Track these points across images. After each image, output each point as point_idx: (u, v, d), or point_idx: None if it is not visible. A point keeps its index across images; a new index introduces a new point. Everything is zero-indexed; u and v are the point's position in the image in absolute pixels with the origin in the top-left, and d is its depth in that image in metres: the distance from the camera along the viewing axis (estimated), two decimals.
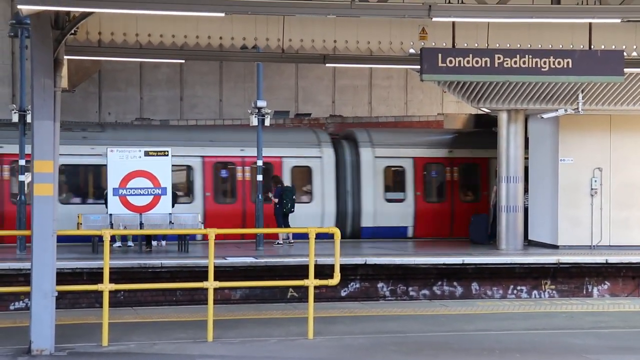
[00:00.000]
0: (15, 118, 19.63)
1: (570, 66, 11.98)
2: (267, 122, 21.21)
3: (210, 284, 11.17)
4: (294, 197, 21.70)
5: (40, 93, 10.36)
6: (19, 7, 9.58)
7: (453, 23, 12.30)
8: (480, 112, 23.40)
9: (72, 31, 10.97)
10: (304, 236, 11.45)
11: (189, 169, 22.78)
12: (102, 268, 11.00)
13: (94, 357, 10.24)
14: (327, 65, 15.18)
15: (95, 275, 16.28)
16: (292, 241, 21.84)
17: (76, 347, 10.68)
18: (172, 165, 20.54)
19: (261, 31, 13.65)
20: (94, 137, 22.13)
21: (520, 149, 21.27)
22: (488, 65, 11.88)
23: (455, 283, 19.09)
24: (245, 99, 30.63)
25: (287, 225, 21.50)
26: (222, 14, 10.90)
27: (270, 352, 10.63)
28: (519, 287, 19.28)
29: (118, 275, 16.25)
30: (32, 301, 10.46)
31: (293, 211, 21.63)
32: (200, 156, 22.75)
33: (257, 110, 21.07)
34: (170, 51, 14.26)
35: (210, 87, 31.94)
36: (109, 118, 30.66)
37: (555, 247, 20.95)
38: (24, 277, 15.74)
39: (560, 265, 19.24)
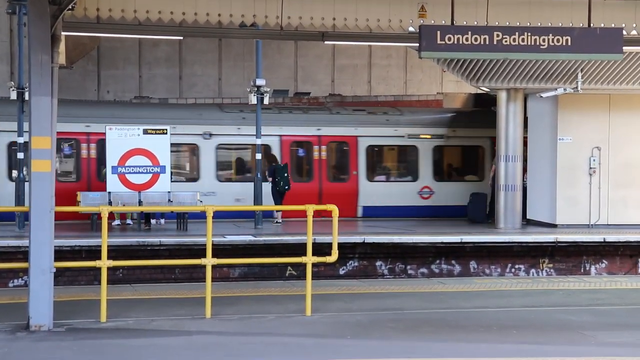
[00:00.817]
0: (13, 95, 19.59)
1: (569, 44, 11.94)
2: (266, 101, 21.19)
3: (209, 260, 11.19)
4: (285, 174, 21.78)
5: (37, 69, 10.33)
6: None
7: (452, 0, 12.25)
8: (479, 91, 23.37)
9: (70, 7, 10.93)
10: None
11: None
12: (100, 246, 11.02)
13: (92, 332, 10.28)
14: (325, 43, 15.13)
15: (93, 253, 16.32)
16: (280, 220, 21.88)
17: (74, 323, 10.72)
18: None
19: (260, 8, 13.61)
20: (395, 120, 23.84)
21: (519, 128, 21.25)
22: (487, 42, 11.83)
23: (453, 261, 19.14)
24: (245, 77, 30.55)
25: (279, 204, 21.56)
26: None
27: (268, 328, 10.67)
28: (517, 266, 19.33)
29: (117, 253, 16.30)
30: (30, 277, 10.49)
31: (287, 189, 21.73)
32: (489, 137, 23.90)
33: (256, 89, 21.03)
34: (168, 27, 14.20)
35: (210, 66, 31.86)
36: (107, 96, 30.62)
37: (554, 226, 20.99)
38: (23, 255, 15.78)
39: (558, 244, 19.28)
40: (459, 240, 19.06)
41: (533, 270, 19.34)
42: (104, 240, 10.88)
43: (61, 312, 10.86)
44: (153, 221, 20.97)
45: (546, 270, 19.36)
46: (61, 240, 15.62)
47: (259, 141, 21.17)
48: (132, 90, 30.70)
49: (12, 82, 20.20)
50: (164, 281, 17.08)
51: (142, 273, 17.45)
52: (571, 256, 19.49)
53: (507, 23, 12.95)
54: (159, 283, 16.51)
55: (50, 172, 10.50)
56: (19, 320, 10.63)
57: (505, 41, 11.82)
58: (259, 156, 21.23)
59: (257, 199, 21.01)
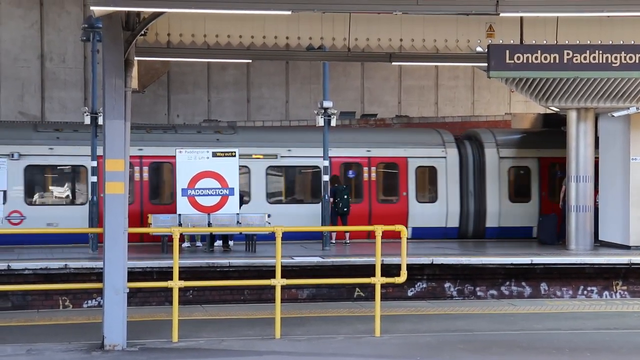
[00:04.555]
0: (87, 120, 20.08)
1: None
2: (333, 123, 21.29)
3: (278, 281, 11.24)
4: (345, 197, 21.87)
5: (111, 93, 10.58)
6: (91, 8, 9.81)
7: (521, 19, 12.18)
8: (548, 111, 23.07)
9: (142, 32, 11.17)
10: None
11: None
12: (171, 267, 11.19)
13: (164, 352, 10.41)
14: (393, 64, 15.18)
15: (164, 275, 16.56)
16: (333, 241, 21.94)
17: (147, 342, 10.87)
18: None
19: (327, 30, 13.73)
20: None
21: (590, 148, 20.92)
22: (557, 61, 11.72)
23: (523, 283, 18.88)
24: (312, 99, 30.77)
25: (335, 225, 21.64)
26: (289, 12, 10.99)
27: (337, 349, 10.66)
28: (589, 288, 18.97)
29: (187, 274, 16.52)
30: (104, 297, 10.68)
31: (346, 211, 21.81)
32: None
33: (323, 111, 21.14)
34: (237, 51, 14.42)
35: (277, 89, 32.16)
36: (177, 120, 31.12)
37: (627, 247, 20.53)
38: (97, 276, 16.09)
39: (633, 266, 18.85)
40: (529, 262, 18.81)
41: (606, 293, 18.94)
42: (176, 261, 11.03)
43: (134, 332, 11.02)
44: (217, 243, 21.10)
45: (620, 293, 18.94)
46: (133, 262, 15.86)
47: (326, 162, 21.27)
48: (201, 114, 31.16)
49: (86, 107, 20.70)
50: (233, 302, 17.23)
51: (211, 294, 17.62)
52: None
53: (578, 41, 12.81)
54: (229, 304, 16.65)
55: (124, 194, 10.71)
56: (93, 339, 10.83)
57: (576, 59, 11.69)
58: (326, 178, 21.33)
59: (324, 220, 21.07)
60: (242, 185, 21.89)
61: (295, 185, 23.68)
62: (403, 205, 23.39)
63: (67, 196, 22.25)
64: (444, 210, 23.51)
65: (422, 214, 23.38)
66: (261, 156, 22.73)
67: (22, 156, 21.18)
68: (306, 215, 22.16)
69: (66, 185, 22.31)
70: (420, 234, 23.21)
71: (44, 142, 21.65)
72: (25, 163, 21.38)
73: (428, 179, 23.80)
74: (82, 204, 21.58)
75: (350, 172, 23.53)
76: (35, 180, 21.99)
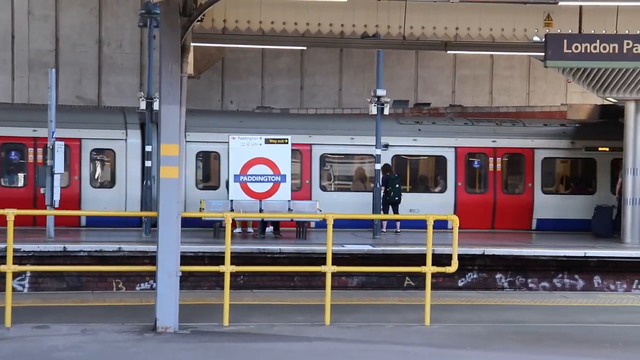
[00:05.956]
0: (142, 105, 20.31)
1: None
2: (386, 111, 21.23)
3: (329, 267, 11.27)
4: (397, 185, 21.90)
5: (167, 78, 10.68)
6: None
7: (580, 8, 12.01)
8: (605, 102, 22.70)
9: (199, 18, 11.26)
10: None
11: None
12: (222, 252, 11.27)
13: (215, 335, 10.52)
14: (448, 52, 15.09)
15: (216, 259, 16.68)
16: (384, 230, 21.88)
17: (198, 326, 10.99)
18: None
19: (383, 18, 13.71)
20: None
21: None
22: (616, 51, 11.59)
23: (576, 276, 18.66)
24: (365, 88, 30.69)
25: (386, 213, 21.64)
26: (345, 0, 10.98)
27: (387, 337, 10.66)
28: None
29: (238, 259, 16.53)
30: (157, 280, 10.80)
31: (397, 199, 21.83)
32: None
33: (376, 99, 21.09)
34: (292, 38, 14.47)
35: (330, 77, 32.15)
36: (231, 106, 31.31)
37: None
38: (149, 259, 16.29)
39: None
40: (583, 255, 18.57)
41: None
42: (228, 246, 11.12)
43: (186, 315, 11.14)
44: (269, 229, 21.13)
45: None
46: (185, 247, 16.00)
47: (378, 151, 21.25)
48: (254, 101, 31.29)
49: (142, 92, 20.95)
50: (283, 288, 17.30)
51: (262, 280, 17.72)
52: None
53: (638, 31, 12.59)
54: (279, 290, 16.74)
55: (178, 179, 10.81)
56: (146, 321, 10.98)
57: (636, 49, 11.54)
58: (378, 166, 21.30)
59: (375, 209, 21.05)
60: (589, 177, 23.66)
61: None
62: None
63: (430, 184, 24.16)
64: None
65: None
66: (607, 149, 23.46)
67: (390, 146, 22.72)
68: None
69: (429, 172, 24.26)
70: None
71: (407, 134, 23.31)
72: (392, 153, 23.00)
73: None
74: (440, 191, 23.48)
75: None
76: (400, 168, 23.39)
